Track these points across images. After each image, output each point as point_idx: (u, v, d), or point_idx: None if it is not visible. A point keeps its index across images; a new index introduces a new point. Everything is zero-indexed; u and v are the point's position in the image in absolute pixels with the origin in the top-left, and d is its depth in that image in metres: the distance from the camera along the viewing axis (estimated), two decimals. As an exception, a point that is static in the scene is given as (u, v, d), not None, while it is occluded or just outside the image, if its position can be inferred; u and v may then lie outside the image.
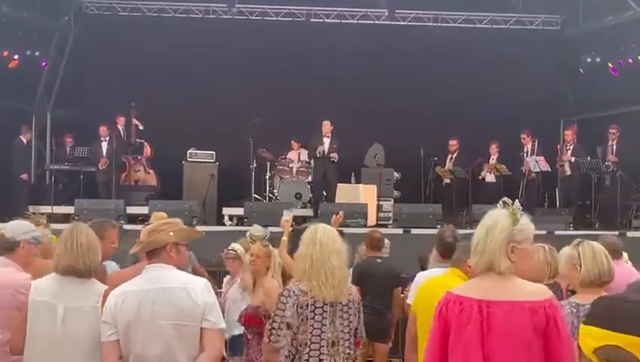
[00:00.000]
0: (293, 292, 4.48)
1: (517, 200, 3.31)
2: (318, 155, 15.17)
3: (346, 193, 14.76)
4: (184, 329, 3.85)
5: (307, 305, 4.46)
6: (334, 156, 15.00)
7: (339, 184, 14.97)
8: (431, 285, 5.06)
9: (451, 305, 3.18)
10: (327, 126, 15.15)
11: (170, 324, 3.84)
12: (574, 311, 4.07)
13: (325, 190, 15.23)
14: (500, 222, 3.19)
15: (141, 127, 16.16)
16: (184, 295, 3.87)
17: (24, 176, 15.27)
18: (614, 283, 4.29)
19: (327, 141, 15.15)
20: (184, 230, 4.20)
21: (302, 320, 4.45)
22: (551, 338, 3.09)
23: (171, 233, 4.03)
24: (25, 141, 15.56)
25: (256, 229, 8.27)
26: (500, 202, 3.28)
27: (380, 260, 7.87)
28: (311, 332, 4.46)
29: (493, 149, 15.87)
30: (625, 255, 7.13)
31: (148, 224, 4.88)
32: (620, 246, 6.25)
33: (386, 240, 8.52)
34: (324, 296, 4.48)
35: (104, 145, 15.37)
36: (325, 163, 15.11)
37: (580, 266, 4.23)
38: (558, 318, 3.11)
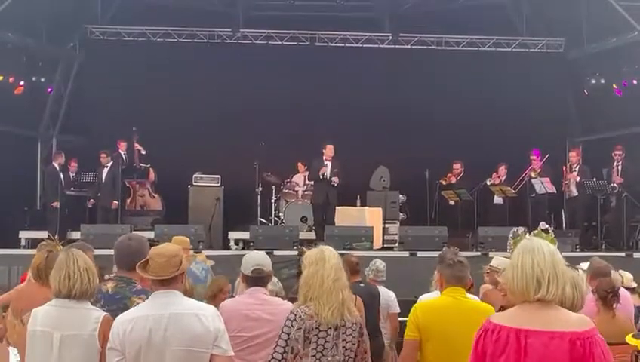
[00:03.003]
0: (300, 316, 4.36)
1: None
2: (320, 177, 14.92)
3: (348, 216, 14.69)
4: (195, 355, 3.82)
5: (312, 329, 4.34)
6: (335, 180, 14.63)
7: (338, 207, 14.82)
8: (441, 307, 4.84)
9: (489, 334, 3.12)
10: (330, 150, 14.77)
11: (182, 350, 3.80)
12: None
13: (326, 213, 14.88)
14: (551, 246, 3.18)
15: (143, 152, 16.11)
16: (196, 321, 3.84)
17: (55, 204, 14.90)
18: None
19: (328, 165, 14.80)
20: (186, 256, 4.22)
21: (306, 343, 4.34)
22: None
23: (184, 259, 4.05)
24: (57, 167, 15.31)
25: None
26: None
27: (362, 284, 7.71)
28: (314, 356, 4.33)
29: (502, 171, 15.84)
30: (629, 276, 7.10)
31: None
32: (607, 269, 6.19)
33: (383, 264, 8.37)
34: (328, 319, 4.34)
35: (105, 172, 15.19)
36: (327, 186, 14.79)
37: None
38: (595, 351, 3.02)
